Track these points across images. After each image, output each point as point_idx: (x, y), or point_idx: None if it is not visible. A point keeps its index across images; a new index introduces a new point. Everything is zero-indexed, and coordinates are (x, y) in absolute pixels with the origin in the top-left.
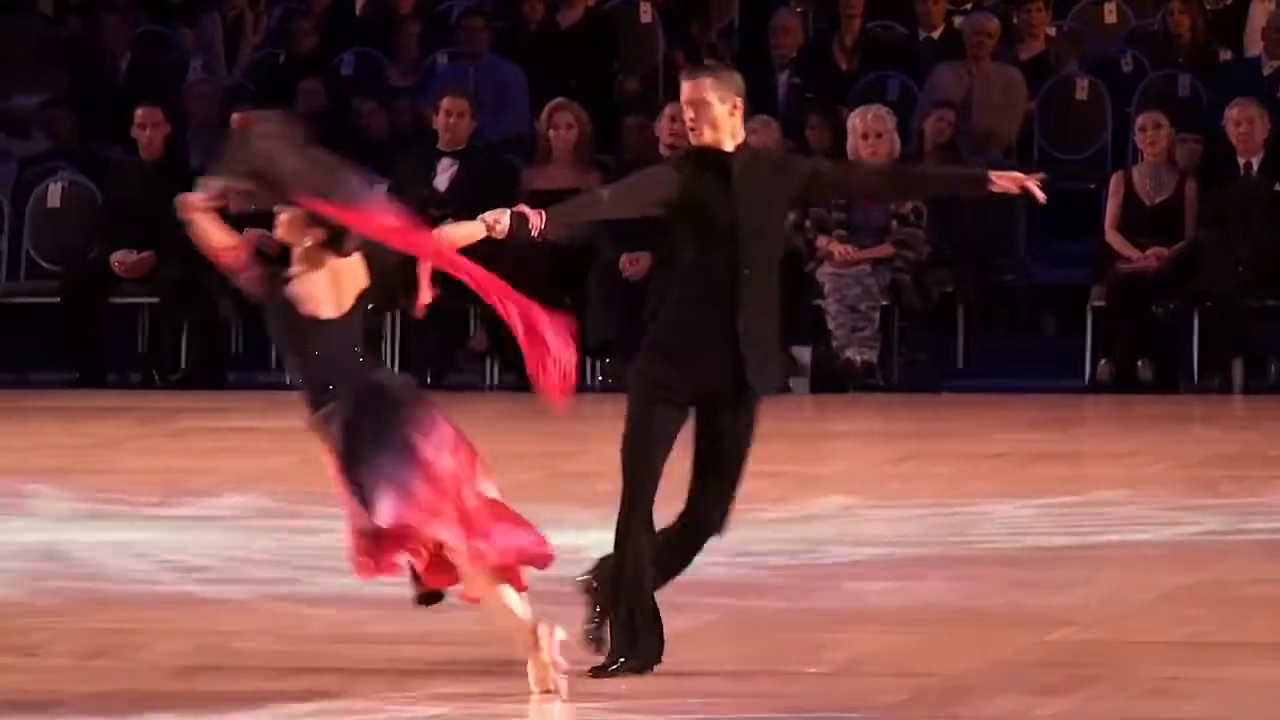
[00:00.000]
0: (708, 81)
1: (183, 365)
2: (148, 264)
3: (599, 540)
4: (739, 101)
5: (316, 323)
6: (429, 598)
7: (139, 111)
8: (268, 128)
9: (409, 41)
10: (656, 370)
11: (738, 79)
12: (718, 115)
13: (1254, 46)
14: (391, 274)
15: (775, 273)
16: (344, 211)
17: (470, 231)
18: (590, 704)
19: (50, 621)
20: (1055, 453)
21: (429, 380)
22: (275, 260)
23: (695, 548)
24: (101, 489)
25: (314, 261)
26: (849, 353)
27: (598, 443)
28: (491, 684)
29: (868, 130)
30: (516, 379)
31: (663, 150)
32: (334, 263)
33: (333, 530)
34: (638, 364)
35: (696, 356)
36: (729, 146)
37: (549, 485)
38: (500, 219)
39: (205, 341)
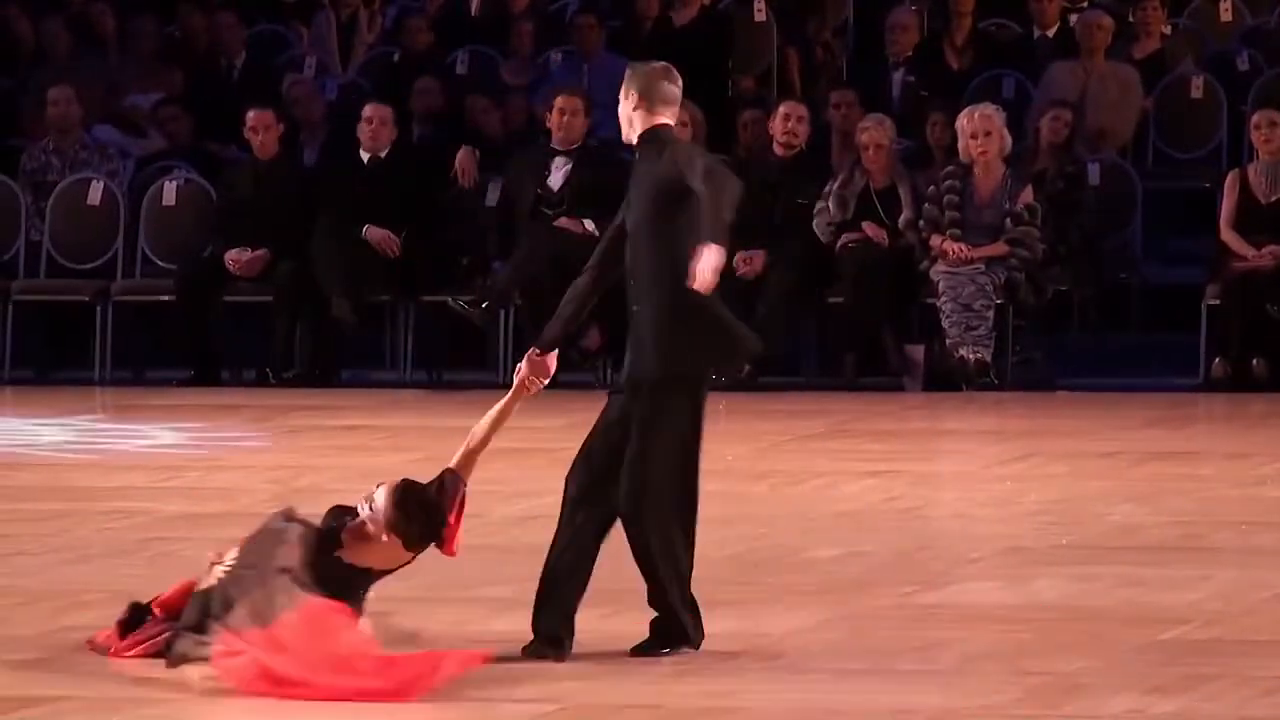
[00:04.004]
0: None
1: (296, 363)
2: (262, 262)
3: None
4: None
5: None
6: None
7: (250, 115)
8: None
9: (523, 40)
10: None
11: None
12: None
13: None
14: None
15: None
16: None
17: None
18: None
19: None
20: (1170, 451)
21: None
22: None
23: None
24: (215, 487)
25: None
26: (963, 351)
27: (710, 441)
28: (602, 684)
29: (976, 130)
30: None
31: (776, 149)
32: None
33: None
34: None
35: None
36: None
37: None
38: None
39: (318, 339)
